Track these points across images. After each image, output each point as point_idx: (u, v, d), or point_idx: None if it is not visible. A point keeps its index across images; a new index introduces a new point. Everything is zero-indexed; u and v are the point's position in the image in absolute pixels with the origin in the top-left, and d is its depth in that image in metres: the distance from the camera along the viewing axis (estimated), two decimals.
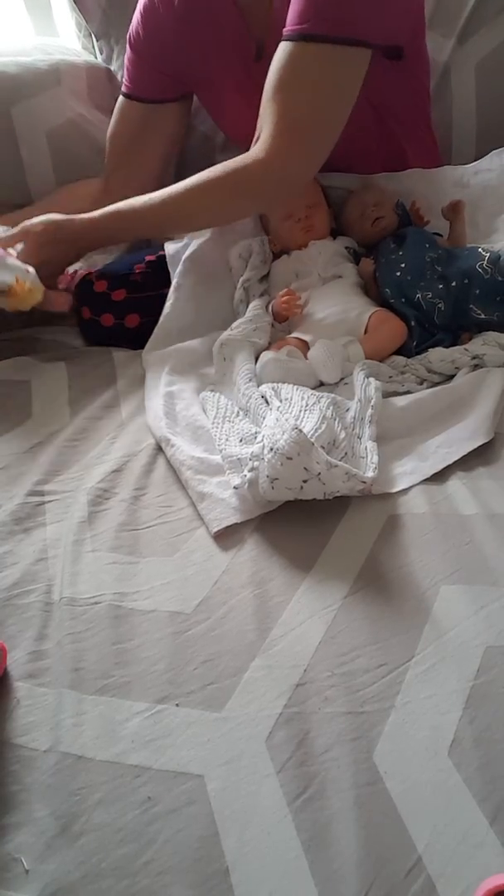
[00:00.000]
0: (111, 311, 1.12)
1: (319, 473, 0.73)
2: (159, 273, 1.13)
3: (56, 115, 1.33)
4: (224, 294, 1.14)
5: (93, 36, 1.53)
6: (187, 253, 1.11)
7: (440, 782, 0.52)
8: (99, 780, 0.54)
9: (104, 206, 1.10)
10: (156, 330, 1.08)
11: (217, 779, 0.54)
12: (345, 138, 1.04)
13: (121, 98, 1.31)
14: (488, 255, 1.00)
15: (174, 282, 1.10)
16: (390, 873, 0.48)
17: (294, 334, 1.03)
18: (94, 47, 1.55)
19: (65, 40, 1.61)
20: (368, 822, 0.51)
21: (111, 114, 1.42)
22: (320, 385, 0.95)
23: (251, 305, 1.08)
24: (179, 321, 1.09)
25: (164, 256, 1.14)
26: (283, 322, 1.06)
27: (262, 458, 0.75)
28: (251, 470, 0.76)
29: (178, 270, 1.11)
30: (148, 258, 1.16)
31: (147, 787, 0.53)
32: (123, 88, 1.30)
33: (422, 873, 0.48)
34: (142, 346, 1.09)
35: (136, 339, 1.11)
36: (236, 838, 0.50)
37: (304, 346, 0.99)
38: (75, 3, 1.50)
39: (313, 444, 0.74)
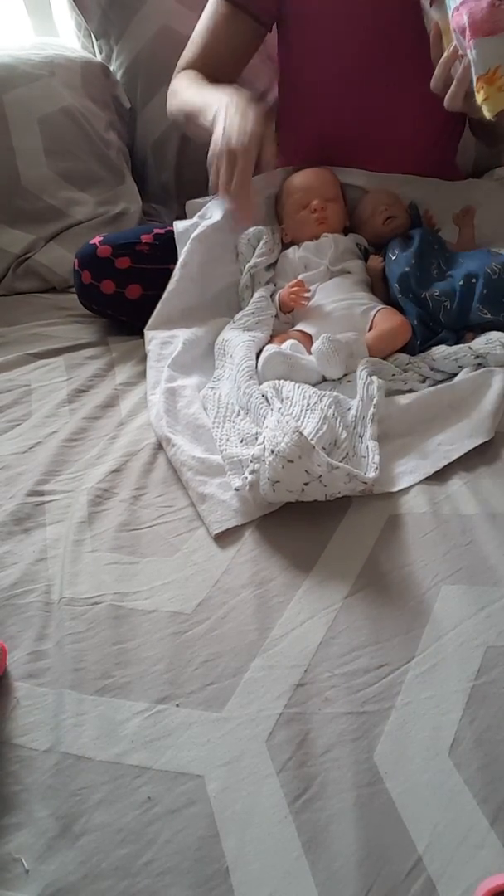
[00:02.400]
0: (113, 279, 1.11)
1: (321, 476, 0.73)
2: (166, 247, 1.12)
3: (48, 104, 1.34)
4: (230, 278, 1.12)
5: (92, 36, 1.53)
6: (196, 232, 1.10)
7: (441, 783, 0.52)
8: (99, 781, 0.54)
9: None
10: (158, 307, 1.07)
11: (217, 779, 0.54)
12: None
13: (225, 5, 1.18)
14: (497, 256, 1.01)
15: (181, 259, 1.08)
16: (391, 874, 0.48)
17: (298, 326, 1.03)
18: (93, 47, 1.55)
19: (65, 40, 1.61)
20: (369, 822, 0.51)
21: (105, 106, 1.41)
22: (322, 381, 0.95)
23: (256, 295, 1.07)
24: (183, 301, 1.08)
25: (172, 231, 1.13)
26: (287, 313, 1.06)
27: (263, 461, 0.75)
28: (252, 472, 0.76)
29: (185, 248, 1.09)
30: (157, 230, 1.15)
31: (147, 788, 0.53)
32: None
33: (422, 874, 0.48)
34: (139, 319, 1.08)
35: (135, 312, 1.10)
36: (237, 839, 0.50)
37: (308, 339, 0.99)
38: (75, 2, 1.50)
39: (314, 447, 0.74)
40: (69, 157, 1.34)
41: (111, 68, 1.51)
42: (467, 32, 0.80)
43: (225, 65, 1.22)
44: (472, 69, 0.81)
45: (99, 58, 1.53)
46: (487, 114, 0.82)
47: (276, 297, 1.07)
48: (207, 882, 0.48)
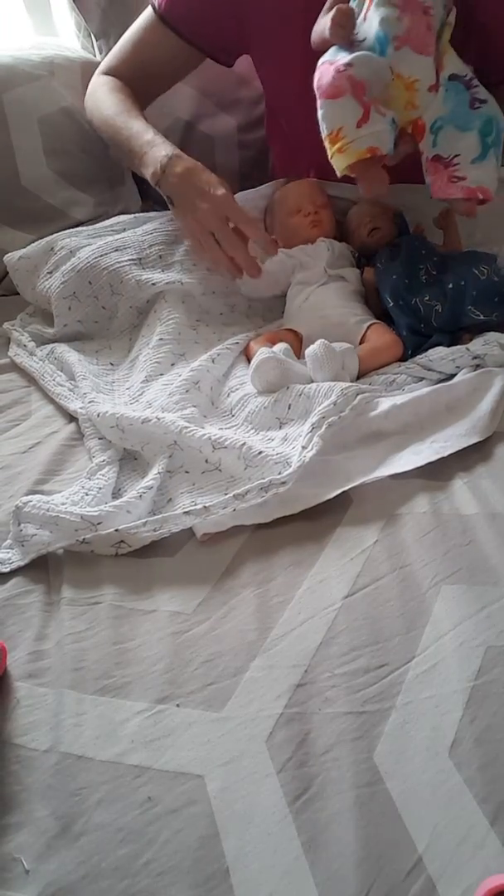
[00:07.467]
0: None
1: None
2: None
3: (48, 104, 1.33)
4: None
5: (92, 36, 1.53)
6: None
7: (441, 783, 0.52)
8: (99, 781, 0.54)
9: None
10: None
11: (217, 779, 0.54)
12: None
13: (158, 21, 1.20)
14: (484, 257, 1.01)
15: None
16: (390, 874, 0.48)
17: (291, 326, 1.03)
18: (93, 47, 1.55)
19: (65, 40, 1.61)
20: (369, 822, 0.51)
21: None
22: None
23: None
24: None
25: None
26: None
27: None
28: None
29: None
30: None
31: (147, 788, 0.53)
32: (172, 19, 1.19)
33: (422, 874, 0.48)
34: None
35: None
36: (236, 839, 0.50)
37: (298, 340, 0.99)
38: (75, 2, 1.50)
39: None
40: (69, 157, 1.34)
41: None
42: (317, 93, 0.84)
43: (153, 84, 1.25)
44: (321, 128, 0.86)
45: (99, 58, 1.53)
46: (338, 172, 0.87)
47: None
48: (207, 882, 0.48)
